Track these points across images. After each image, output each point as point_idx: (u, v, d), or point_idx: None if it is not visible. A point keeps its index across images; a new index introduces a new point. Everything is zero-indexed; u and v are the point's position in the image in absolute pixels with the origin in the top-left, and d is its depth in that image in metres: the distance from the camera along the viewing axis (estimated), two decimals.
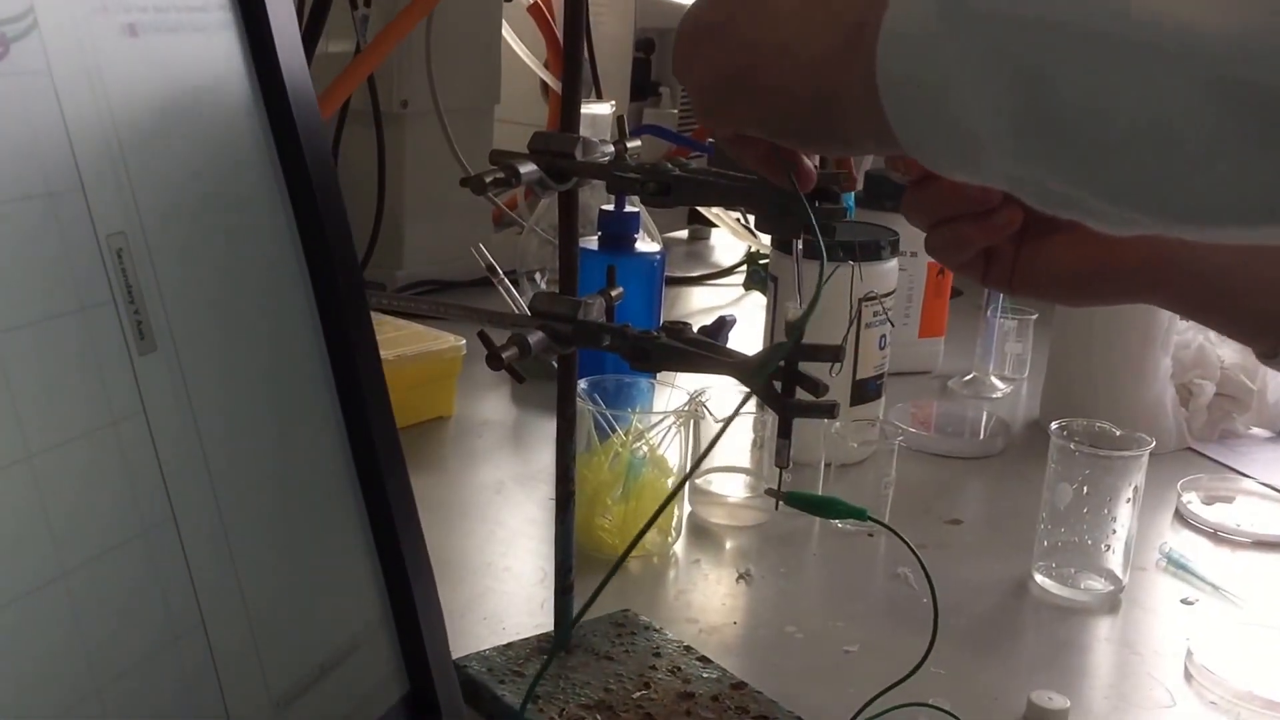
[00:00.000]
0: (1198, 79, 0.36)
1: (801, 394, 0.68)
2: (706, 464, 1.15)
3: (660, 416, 1.04)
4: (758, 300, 1.80)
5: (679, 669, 0.85)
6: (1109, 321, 1.28)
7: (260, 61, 0.57)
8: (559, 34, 1.05)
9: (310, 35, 1.52)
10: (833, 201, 0.67)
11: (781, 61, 0.51)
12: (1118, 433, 1.00)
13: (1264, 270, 0.62)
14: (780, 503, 0.71)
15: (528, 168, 0.73)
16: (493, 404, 1.37)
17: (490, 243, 1.69)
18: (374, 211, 1.71)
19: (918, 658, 0.73)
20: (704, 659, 0.86)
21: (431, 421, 1.32)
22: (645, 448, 1.03)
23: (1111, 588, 1.01)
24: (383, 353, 1.22)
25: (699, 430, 1.07)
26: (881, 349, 1.22)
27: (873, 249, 1.20)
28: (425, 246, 1.78)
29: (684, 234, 2.21)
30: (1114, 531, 1.00)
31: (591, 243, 1.34)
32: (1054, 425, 1.01)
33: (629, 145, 0.76)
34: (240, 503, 0.51)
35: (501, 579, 1.00)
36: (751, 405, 0.73)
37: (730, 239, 2.05)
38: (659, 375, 1.06)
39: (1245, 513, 1.18)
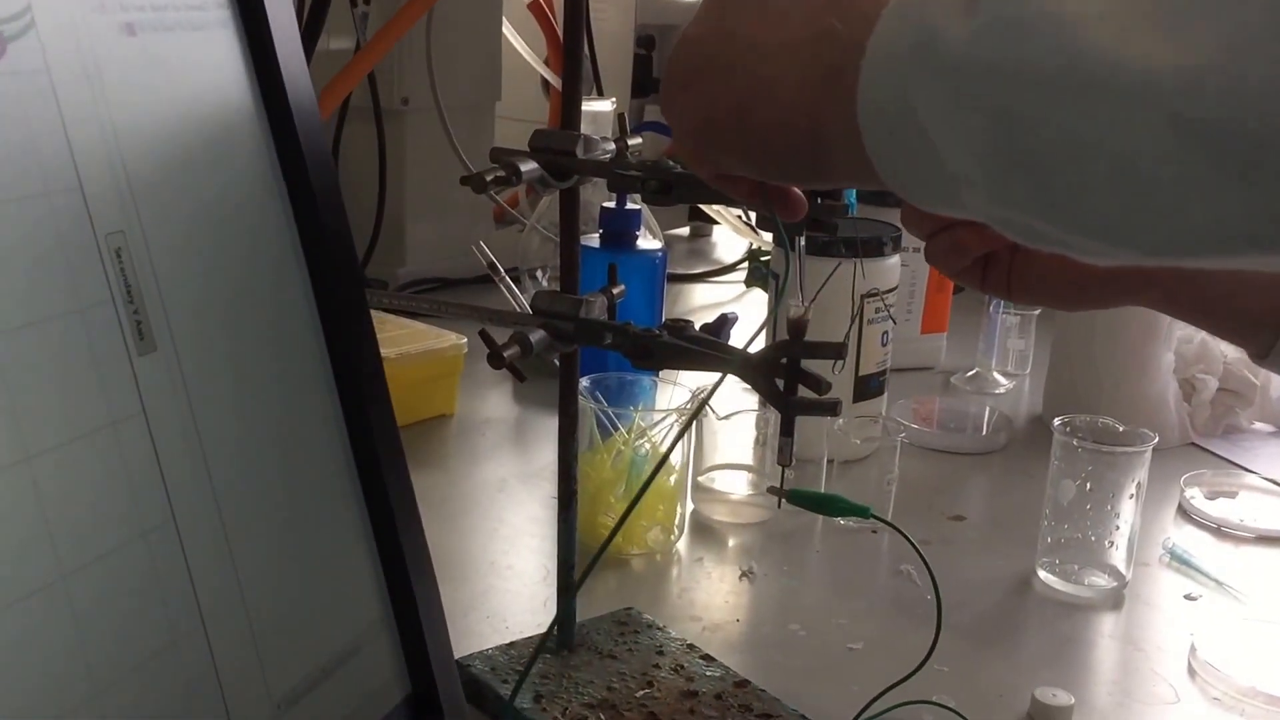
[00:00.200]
0: (1160, 118, 0.37)
1: (804, 391, 0.68)
2: (709, 461, 1.15)
3: (662, 414, 1.03)
4: (760, 297, 1.80)
5: (682, 667, 0.84)
6: (1111, 317, 1.28)
7: (259, 60, 0.56)
8: (559, 31, 1.05)
9: (310, 32, 1.52)
10: (825, 229, 0.67)
11: (766, 102, 0.51)
12: (1121, 428, 1.00)
13: (1253, 273, 0.62)
14: (783, 501, 0.71)
15: (528, 166, 0.73)
16: (495, 402, 1.37)
17: (492, 240, 1.69)
18: (375, 209, 1.71)
19: (921, 654, 0.73)
20: (707, 657, 0.86)
21: (434, 419, 1.32)
22: (647, 445, 1.03)
23: (1115, 584, 1.01)
24: (385, 351, 1.22)
25: (701, 427, 1.07)
26: (884, 345, 1.22)
27: (875, 245, 1.20)
28: (427, 244, 1.78)
29: (685, 231, 2.21)
30: (1117, 527, 1.00)
31: (593, 240, 1.34)
32: (1057, 421, 1.00)
33: (630, 143, 0.76)
34: (241, 504, 0.51)
35: (504, 577, 1.00)
36: (753, 402, 0.73)
37: (732, 236, 2.05)
38: (661, 373, 1.06)
39: (1248, 508, 1.18)
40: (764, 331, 1.29)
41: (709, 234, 2.22)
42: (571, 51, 0.75)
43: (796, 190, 0.62)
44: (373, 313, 1.07)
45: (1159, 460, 1.01)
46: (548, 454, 1.21)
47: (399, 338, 1.29)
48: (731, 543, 1.08)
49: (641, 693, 0.81)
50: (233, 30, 0.56)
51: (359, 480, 0.60)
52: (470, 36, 1.77)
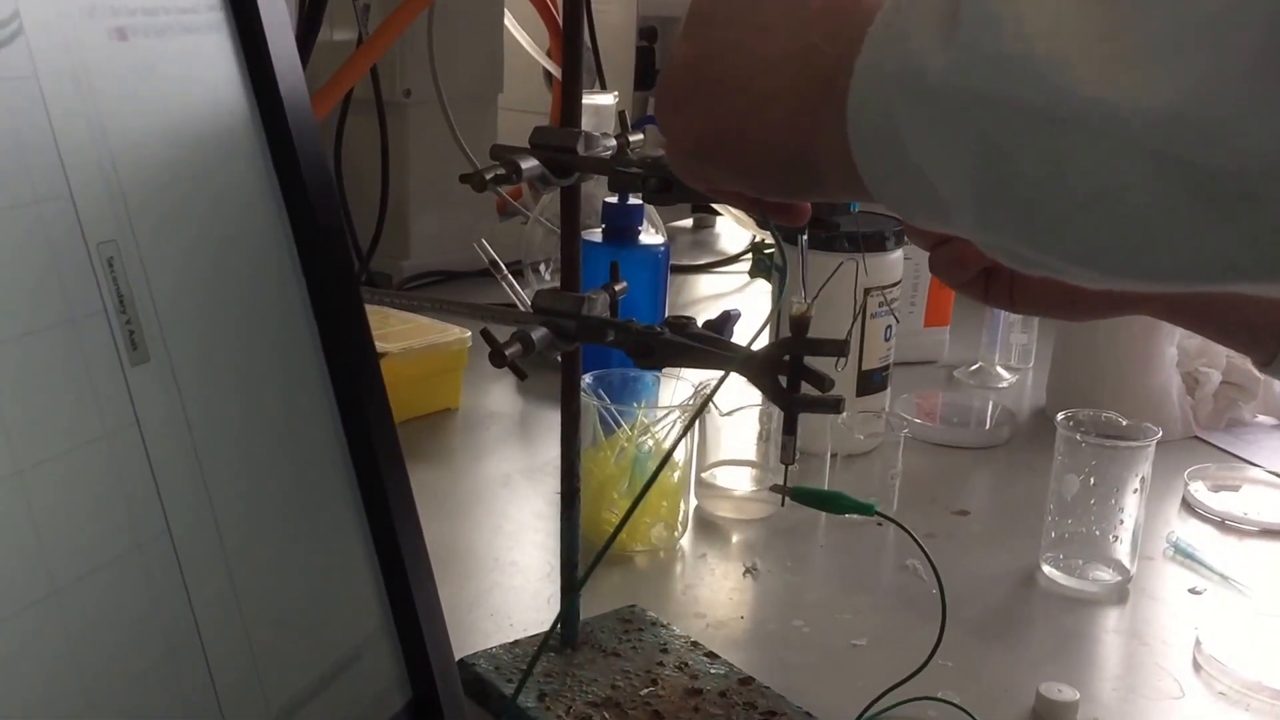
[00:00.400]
0: (1139, 154, 0.37)
1: (807, 388, 0.68)
2: (713, 457, 1.14)
3: (665, 410, 1.03)
4: (763, 288, 1.79)
5: (686, 664, 0.84)
6: None
7: (253, 63, 0.56)
8: (561, 22, 1.05)
9: (310, 24, 1.51)
10: (827, 227, 0.67)
11: (757, 121, 0.51)
12: (1124, 422, 1.00)
13: None
14: (786, 499, 0.71)
15: (529, 163, 0.72)
16: (499, 396, 1.37)
17: (495, 232, 1.69)
18: (378, 202, 1.70)
19: (926, 650, 0.73)
20: (711, 654, 0.86)
21: (438, 414, 1.32)
22: (651, 442, 1.03)
23: (1119, 578, 1.00)
24: (389, 345, 1.23)
25: (705, 423, 1.06)
26: (887, 340, 1.21)
27: (877, 240, 1.19)
28: (431, 237, 1.78)
29: (689, 223, 2.21)
30: (1121, 522, 0.99)
31: (595, 235, 1.34)
32: (1060, 416, 1.00)
33: (631, 139, 0.76)
34: (237, 514, 0.51)
35: (508, 574, 0.99)
36: (756, 397, 0.73)
37: (735, 227, 2.04)
38: (664, 369, 1.06)
39: (1252, 501, 1.17)
40: (767, 328, 1.29)
41: (712, 225, 2.21)
42: (571, 46, 0.74)
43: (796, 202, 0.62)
44: (377, 307, 1.07)
45: (1162, 454, 1.00)
46: (552, 448, 1.20)
47: (403, 332, 1.29)
48: (735, 539, 1.08)
49: (646, 691, 0.81)
50: (226, 33, 0.55)
51: (357, 486, 0.60)
52: (472, 28, 1.77)
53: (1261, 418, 1.36)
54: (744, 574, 1.01)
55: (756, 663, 0.86)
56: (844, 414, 1.10)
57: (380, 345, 1.21)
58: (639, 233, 1.36)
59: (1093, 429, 0.99)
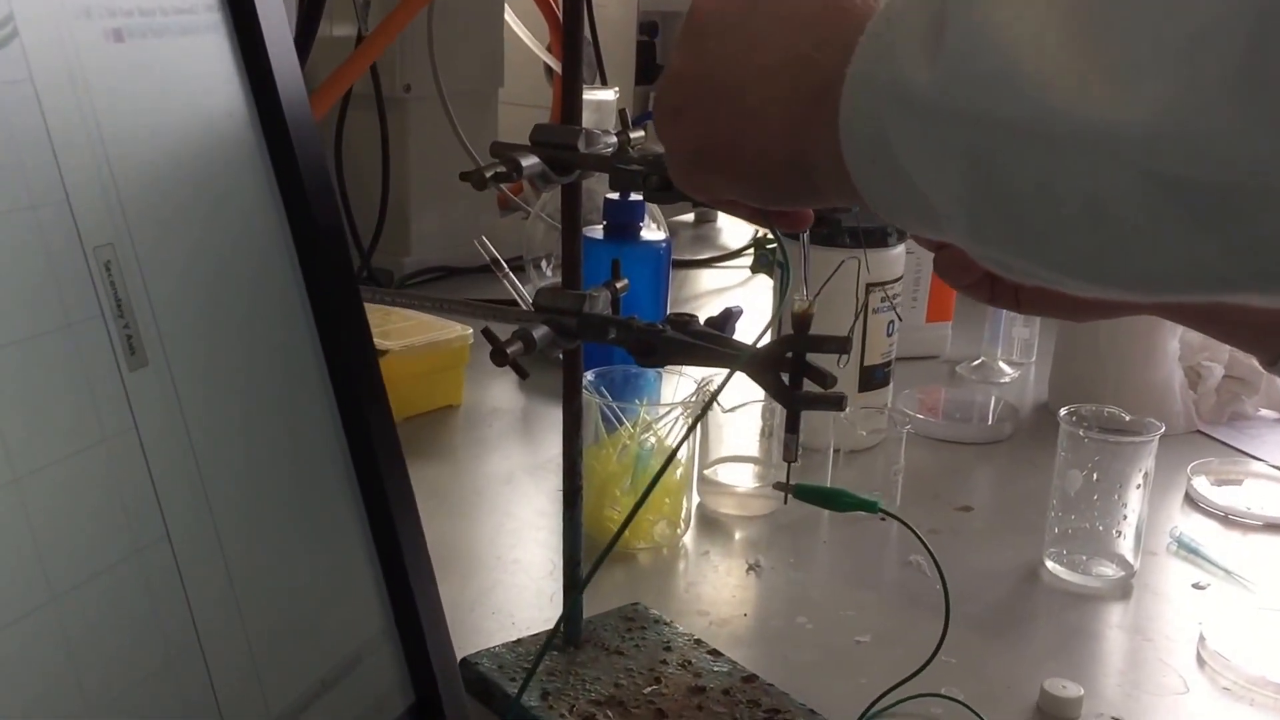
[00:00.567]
0: (1127, 170, 0.37)
1: (809, 385, 0.68)
2: (715, 454, 1.14)
3: (667, 407, 1.03)
4: (765, 283, 1.79)
5: (690, 663, 0.84)
6: None
7: (251, 64, 0.56)
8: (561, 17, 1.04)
9: (310, 20, 1.51)
10: (828, 224, 0.67)
11: (753, 132, 0.52)
12: (1127, 417, 0.99)
13: None
14: (789, 496, 0.71)
15: (529, 161, 0.72)
16: (501, 392, 1.37)
17: (496, 229, 1.69)
18: (379, 198, 1.70)
19: (930, 646, 0.73)
20: (715, 652, 0.86)
21: (440, 410, 1.31)
22: (653, 439, 1.02)
23: (1123, 573, 1.00)
24: (390, 343, 1.23)
25: (707, 419, 1.06)
26: (889, 336, 1.21)
27: (879, 236, 1.19)
28: (432, 233, 1.77)
29: (690, 217, 2.20)
30: (1125, 517, 0.99)
31: (597, 231, 1.34)
32: (1063, 411, 1.00)
33: (632, 135, 0.76)
34: (237, 518, 0.50)
35: (511, 572, 0.99)
36: (759, 394, 0.72)
37: (737, 222, 2.04)
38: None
39: (1256, 495, 1.17)
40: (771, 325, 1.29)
41: (714, 219, 2.21)
42: (571, 42, 0.74)
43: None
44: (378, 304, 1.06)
45: (1164, 448, 1.00)
46: (555, 445, 1.20)
47: (404, 329, 1.29)
48: (738, 535, 1.08)
49: (649, 689, 0.81)
50: (223, 34, 0.55)
51: (358, 487, 0.59)
52: (472, 23, 1.76)
53: (1264, 411, 1.35)
54: (747, 571, 1.01)
55: (760, 660, 0.86)
56: (846, 410, 1.11)
57: (382, 343, 1.21)
58: (640, 229, 1.35)
59: (1095, 424, 0.99)
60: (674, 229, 1.70)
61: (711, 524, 1.09)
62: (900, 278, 1.22)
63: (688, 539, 1.06)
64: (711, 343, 0.71)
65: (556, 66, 1.90)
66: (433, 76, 1.67)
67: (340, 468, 0.59)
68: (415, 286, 1.74)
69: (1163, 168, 0.36)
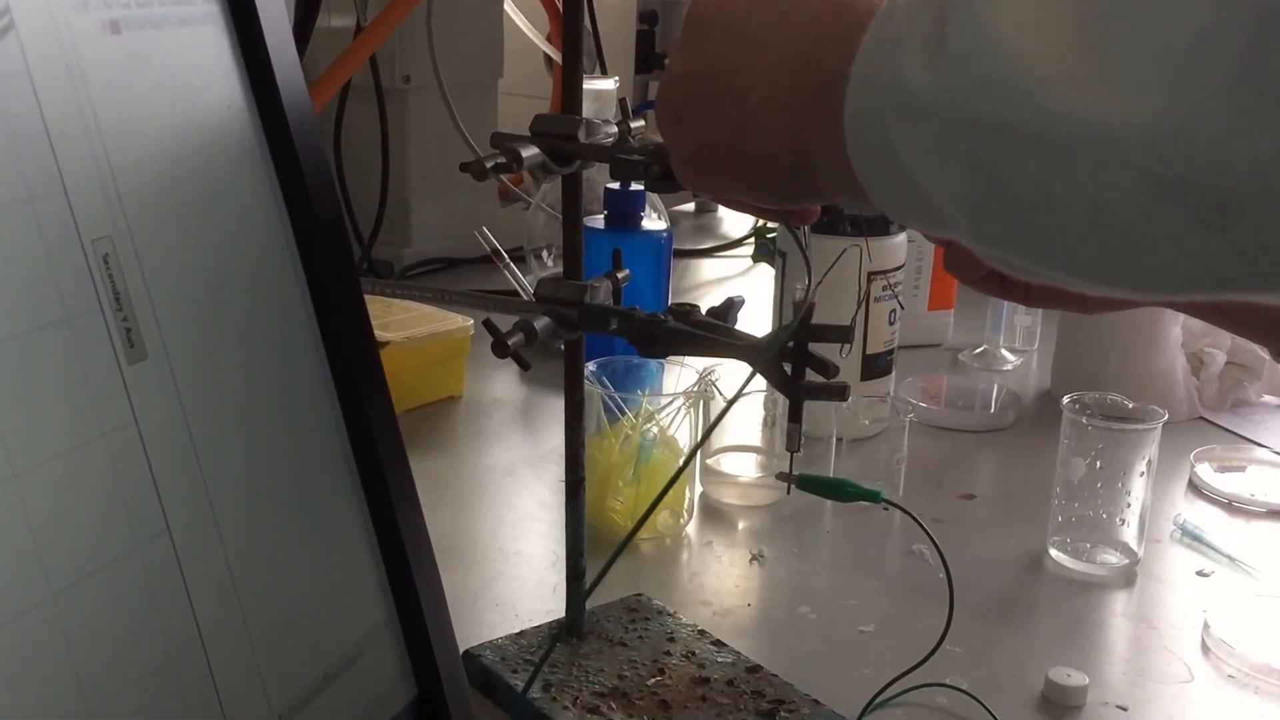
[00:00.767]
0: (1129, 173, 0.37)
1: (812, 375, 0.67)
2: (717, 444, 1.14)
3: (670, 398, 1.03)
4: (767, 272, 1.79)
5: (693, 654, 0.84)
6: None
7: (250, 55, 0.55)
8: (560, 6, 1.04)
9: (308, 12, 1.51)
10: (829, 211, 0.67)
11: (756, 132, 0.52)
12: (1130, 405, 0.99)
13: None
14: (792, 487, 0.71)
15: (529, 151, 0.72)
16: (503, 383, 1.37)
17: (497, 219, 1.68)
18: (379, 189, 1.70)
19: (934, 635, 0.72)
20: (718, 643, 0.85)
21: (442, 402, 1.31)
22: (655, 429, 1.02)
23: (1127, 561, 1.00)
24: (391, 334, 1.22)
25: (709, 410, 1.06)
26: (891, 324, 1.21)
27: (880, 224, 1.18)
28: (432, 224, 1.77)
29: (691, 207, 2.20)
30: (1128, 505, 0.99)
31: (597, 221, 1.33)
32: (1066, 399, 1.00)
33: (632, 125, 0.75)
34: (238, 512, 0.50)
35: (513, 563, 0.99)
36: (762, 383, 0.72)
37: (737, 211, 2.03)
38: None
39: (1259, 482, 1.17)
40: (774, 315, 1.28)
41: (714, 209, 2.20)
42: (571, 31, 0.74)
43: None
44: (379, 296, 1.06)
45: (1167, 435, 1.00)
46: (556, 436, 1.19)
47: (405, 321, 1.28)
48: (741, 525, 1.07)
49: (653, 680, 0.81)
50: (221, 25, 0.54)
51: (359, 480, 0.59)
52: (471, 13, 1.76)
53: (1267, 398, 1.35)
54: (750, 561, 1.01)
55: (764, 650, 0.86)
56: (849, 399, 1.10)
57: (383, 334, 1.21)
58: (641, 219, 1.35)
59: (1098, 411, 0.98)
60: (675, 218, 1.69)
61: (714, 514, 1.09)
62: (902, 266, 1.22)
63: (690, 529, 1.06)
64: (714, 333, 0.71)
65: (556, 56, 1.90)
66: (432, 67, 1.67)
67: (341, 460, 0.58)
68: (416, 278, 1.73)
69: (1164, 170, 0.36)
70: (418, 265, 1.75)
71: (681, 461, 1.01)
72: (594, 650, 0.84)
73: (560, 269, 0.79)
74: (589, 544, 0.83)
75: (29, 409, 0.41)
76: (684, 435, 1.03)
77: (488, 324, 0.69)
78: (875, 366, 1.21)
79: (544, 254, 1.62)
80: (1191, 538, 1.05)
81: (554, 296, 0.73)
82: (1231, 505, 1.13)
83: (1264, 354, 1.32)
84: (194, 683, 0.47)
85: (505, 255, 1.39)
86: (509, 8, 1.82)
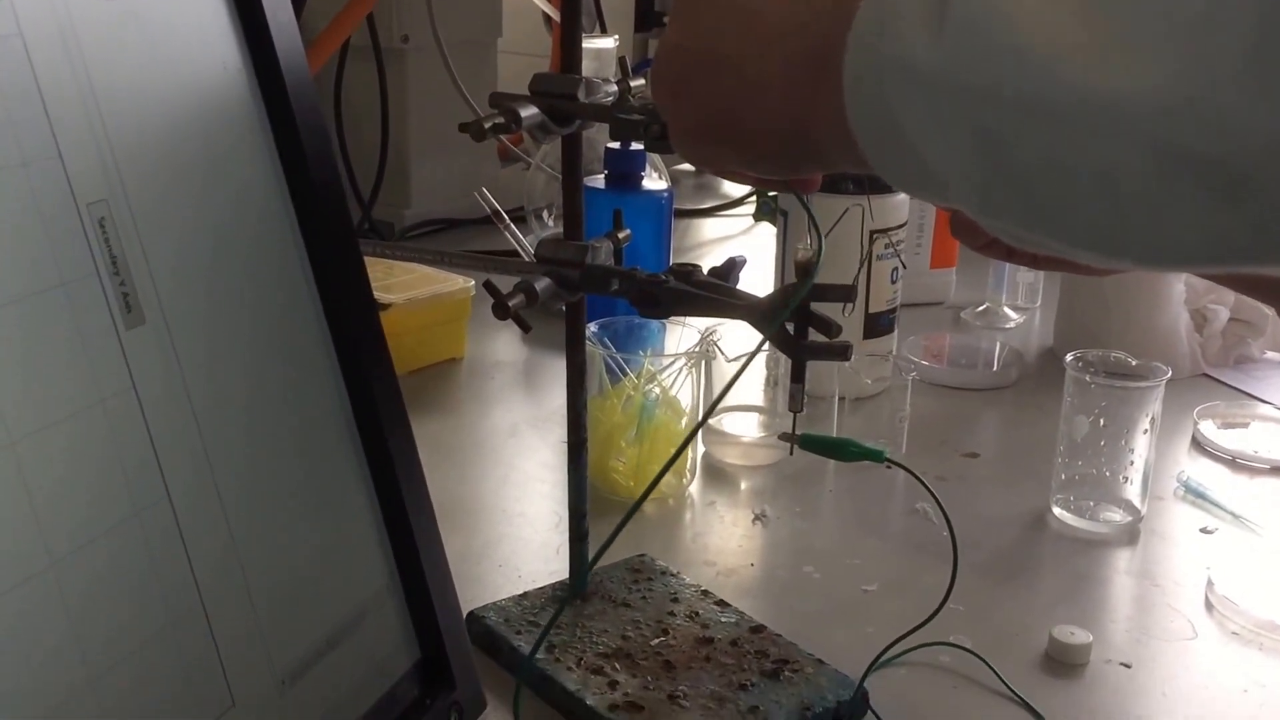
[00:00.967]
0: (1138, 144, 0.36)
1: (814, 335, 0.67)
2: (720, 404, 1.13)
3: (671, 358, 1.02)
4: (768, 231, 1.78)
5: (697, 614, 0.84)
6: None
7: (246, 15, 0.55)
8: None
9: None
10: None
11: (754, 105, 0.51)
12: (1133, 362, 0.99)
13: None
14: (795, 447, 0.70)
15: (529, 111, 0.71)
16: (504, 344, 1.36)
17: (497, 179, 1.68)
18: (379, 150, 1.69)
19: (937, 594, 0.72)
20: (722, 603, 0.85)
21: (443, 364, 1.31)
22: (657, 389, 1.02)
23: (1130, 519, 1.00)
24: (392, 296, 1.22)
25: (711, 370, 1.05)
26: (893, 283, 1.20)
27: (882, 182, 1.17)
28: (432, 184, 1.76)
29: (691, 166, 2.19)
30: (1132, 462, 0.99)
31: (598, 181, 1.33)
32: (1069, 357, 0.99)
33: (632, 84, 0.75)
34: (239, 476, 0.50)
35: (516, 524, 0.99)
36: (764, 346, 0.72)
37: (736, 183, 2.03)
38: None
39: (1263, 438, 1.17)
40: (773, 274, 1.28)
41: None
42: None
43: None
44: (379, 258, 1.05)
45: (1170, 392, 0.99)
46: (558, 397, 1.19)
47: (406, 282, 1.28)
48: (744, 485, 1.07)
49: (657, 641, 0.81)
50: None
51: (360, 443, 0.59)
52: None
53: (1270, 354, 1.35)
54: (753, 521, 1.01)
55: (767, 610, 0.86)
56: (852, 358, 1.10)
57: (383, 296, 1.20)
58: (642, 178, 1.34)
59: (1101, 369, 0.98)
60: (675, 178, 1.68)
61: (717, 474, 1.09)
62: (904, 224, 1.21)
63: (693, 489, 1.06)
64: (716, 293, 0.70)
65: (555, 15, 1.88)
66: (430, 26, 1.65)
67: (342, 423, 0.58)
68: (416, 239, 1.73)
69: (1174, 141, 0.36)
70: (418, 226, 1.75)
71: (689, 430, 1.01)
72: (597, 611, 0.84)
73: (561, 229, 0.78)
74: (591, 505, 0.83)
75: (26, 375, 0.41)
76: (686, 395, 1.03)
77: (488, 285, 0.69)
78: (878, 325, 1.21)
79: (544, 214, 1.61)
80: (1195, 495, 1.05)
81: (555, 257, 0.72)
82: (1235, 462, 1.12)
83: (1268, 310, 1.32)
84: (196, 649, 0.46)
85: (505, 216, 1.39)
86: None
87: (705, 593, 0.87)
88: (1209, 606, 0.89)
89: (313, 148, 0.56)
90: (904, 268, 1.21)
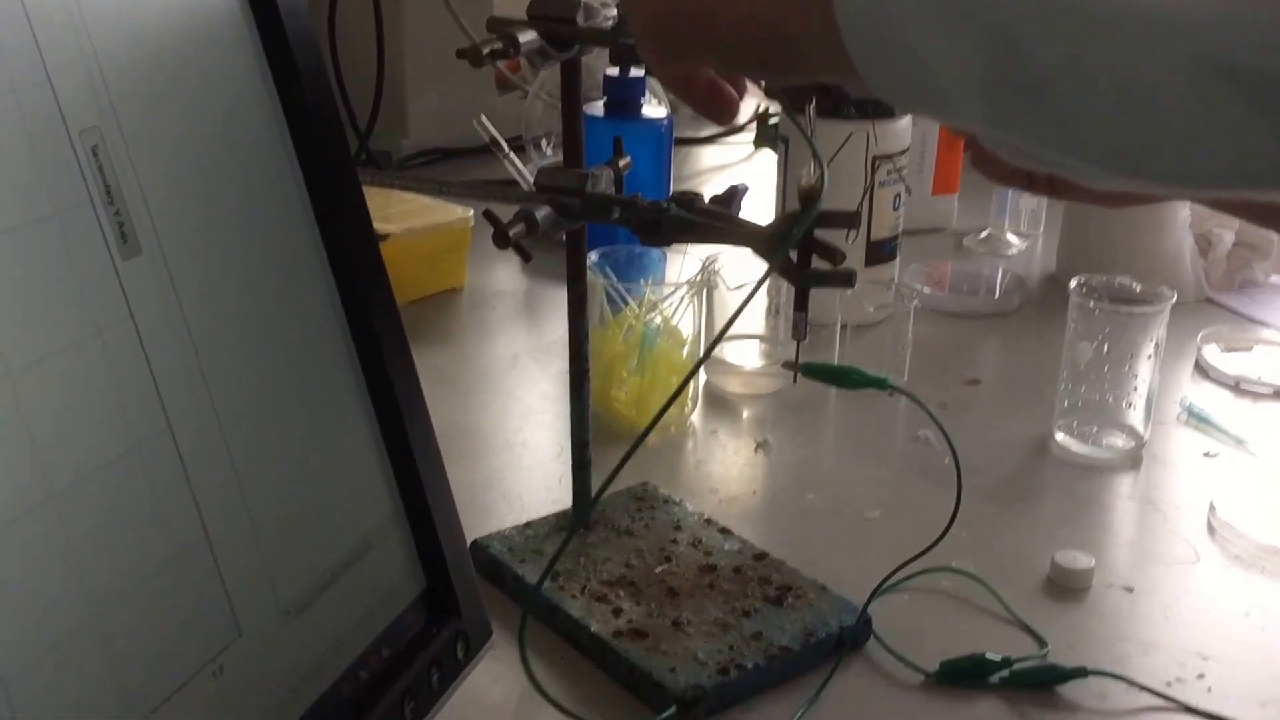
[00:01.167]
0: (1179, 54, 0.35)
1: (817, 262, 0.66)
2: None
3: (673, 287, 1.02)
4: (769, 157, 1.77)
5: (700, 541, 0.84)
6: None
7: None
8: None
9: None
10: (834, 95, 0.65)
11: (739, 3, 0.48)
12: (1137, 287, 0.98)
13: None
14: (798, 375, 0.70)
15: (527, 36, 0.70)
16: (504, 274, 1.36)
17: (495, 107, 1.66)
18: (375, 78, 1.67)
19: (939, 520, 0.72)
20: (724, 530, 0.86)
21: (444, 294, 1.30)
22: (659, 319, 1.02)
23: (1133, 444, 1.00)
24: (391, 226, 1.21)
25: (712, 298, 1.05)
26: (896, 210, 1.19)
27: (885, 107, 1.16)
28: (429, 114, 1.75)
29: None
30: (1135, 388, 0.99)
31: (597, 109, 1.32)
32: (1073, 283, 0.99)
33: None
34: (239, 407, 0.49)
35: (518, 455, 0.99)
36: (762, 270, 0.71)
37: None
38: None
39: (1266, 363, 1.16)
40: (778, 201, 1.27)
41: None
42: None
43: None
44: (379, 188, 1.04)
45: (1174, 317, 0.99)
46: (559, 327, 1.19)
47: (405, 212, 1.27)
48: (745, 414, 1.07)
49: (660, 568, 0.81)
50: None
51: (362, 373, 0.58)
52: None
53: (1275, 278, 1.34)
54: (755, 449, 1.01)
55: (770, 538, 0.86)
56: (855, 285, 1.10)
57: (382, 226, 1.20)
58: (642, 105, 1.33)
59: (1105, 294, 0.97)
60: (675, 105, 1.67)
61: (719, 403, 1.09)
62: (907, 149, 1.20)
63: (695, 418, 1.06)
64: (718, 220, 0.70)
65: None
66: None
67: (343, 354, 0.58)
68: (414, 168, 1.72)
69: (1225, 55, 0.34)
70: (416, 156, 1.73)
71: (691, 360, 1.01)
72: (601, 539, 0.84)
73: (560, 158, 0.77)
74: (594, 434, 0.83)
75: (21, 307, 0.40)
76: (687, 324, 1.02)
77: (488, 214, 0.68)
78: (880, 252, 1.20)
79: (543, 143, 1.60)
80: (1198, 420, 1.05)
81: (555, 186, 0.71)
82: (1238, 386, 1.12)
83: (1273, 235, 1.31)
84: (200, 581, 0.46)
85: (504, 144, 1.38)
86: None
87: (708, 521, 0.87)
88: (1211, 531, 0.90)
89: (308, 72, 0.55)
90: (909, 193, 1.20)
